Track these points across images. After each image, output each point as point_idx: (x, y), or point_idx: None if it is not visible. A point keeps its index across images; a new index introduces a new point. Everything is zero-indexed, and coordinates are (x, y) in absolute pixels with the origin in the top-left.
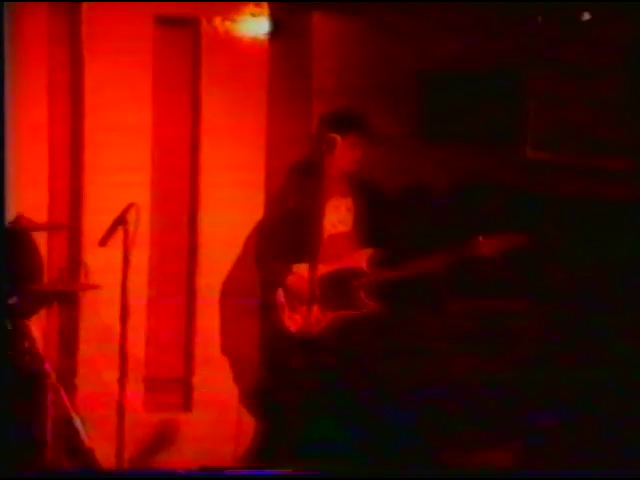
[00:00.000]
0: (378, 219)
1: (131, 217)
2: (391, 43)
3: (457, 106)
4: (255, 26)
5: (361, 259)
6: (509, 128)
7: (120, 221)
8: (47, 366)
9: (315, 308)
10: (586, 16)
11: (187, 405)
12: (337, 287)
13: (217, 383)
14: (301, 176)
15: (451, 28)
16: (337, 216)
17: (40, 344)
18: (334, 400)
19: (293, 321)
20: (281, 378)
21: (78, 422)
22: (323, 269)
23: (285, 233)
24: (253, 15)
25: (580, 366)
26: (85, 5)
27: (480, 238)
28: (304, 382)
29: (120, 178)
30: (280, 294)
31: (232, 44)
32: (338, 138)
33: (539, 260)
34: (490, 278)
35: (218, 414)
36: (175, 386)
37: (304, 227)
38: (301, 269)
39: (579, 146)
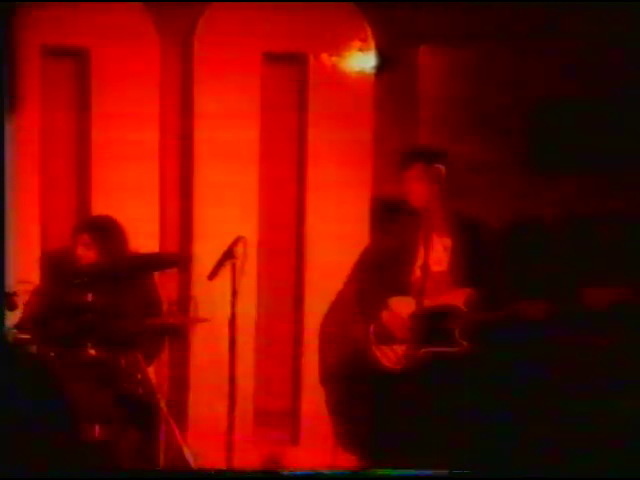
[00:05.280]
0: (478, 259)
1: (239, 251)
2: (497, 73)
3: (569, 135)
4: (362, 60)
5: (459, 298)
6: (623, 155)
7: (228, 255)
8: (159, 398)
9: (407, 344)
10: None
11: (295, 439)
12: (431, 324)
13: (325, 415)
14: (387, 213)
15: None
16: (433, 255)
17: (152, 377)
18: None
19: (384, 355)
20: (372, 410)
21: (188, 453)
22: (419, 306)
23: (383, 268)
24: (360, 50)
25: None
26: (197, 43)
27: (585, 291)
28: (394, 415)
29: (228, 212)
30: (373, 327)
31: (339, 79)
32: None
33: None
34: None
35: (325, 447)
36: (283, 419)
37: (399, 264)
38: (396, 304)
39: None
